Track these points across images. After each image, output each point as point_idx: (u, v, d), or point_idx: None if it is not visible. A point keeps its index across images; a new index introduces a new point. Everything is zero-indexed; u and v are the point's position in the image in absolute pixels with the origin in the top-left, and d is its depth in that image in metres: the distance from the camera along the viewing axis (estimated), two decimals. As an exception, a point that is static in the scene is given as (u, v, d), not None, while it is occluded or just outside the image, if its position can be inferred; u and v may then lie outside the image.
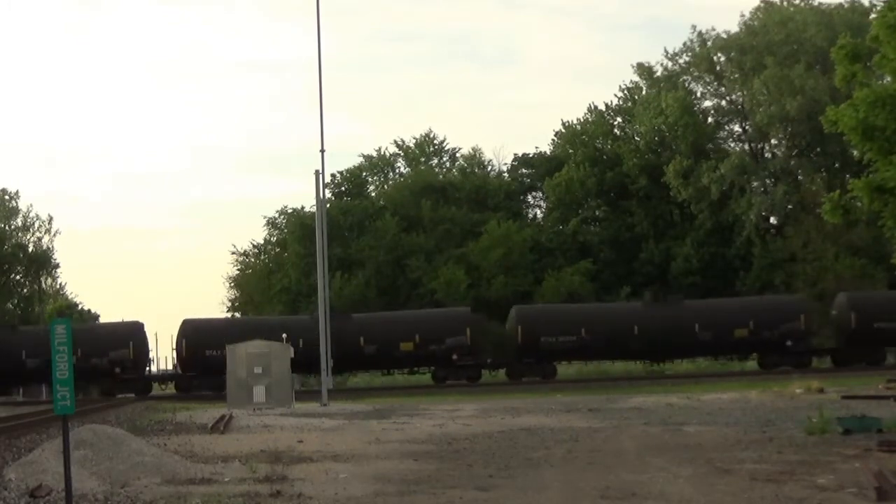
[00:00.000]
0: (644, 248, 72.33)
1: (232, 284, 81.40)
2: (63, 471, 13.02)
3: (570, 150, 78.26)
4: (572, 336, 52.18)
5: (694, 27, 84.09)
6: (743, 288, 67.01)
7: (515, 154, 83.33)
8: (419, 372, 56.44)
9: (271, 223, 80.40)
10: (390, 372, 56.71)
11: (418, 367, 55.78)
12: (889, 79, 20.92)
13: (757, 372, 52.09)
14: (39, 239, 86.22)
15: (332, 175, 79.32)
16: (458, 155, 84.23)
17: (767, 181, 70.95)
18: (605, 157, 77.05)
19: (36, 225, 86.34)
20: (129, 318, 63.97)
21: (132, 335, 53.74)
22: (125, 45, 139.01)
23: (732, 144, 74.85)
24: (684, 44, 75.13)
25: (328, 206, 60.17)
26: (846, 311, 51.86)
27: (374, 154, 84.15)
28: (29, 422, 29.42)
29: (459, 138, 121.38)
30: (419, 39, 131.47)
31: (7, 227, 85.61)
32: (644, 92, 77.31)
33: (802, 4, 73.51)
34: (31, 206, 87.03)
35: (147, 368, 55.39)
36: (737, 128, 75.39)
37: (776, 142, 72.23)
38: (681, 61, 75.66)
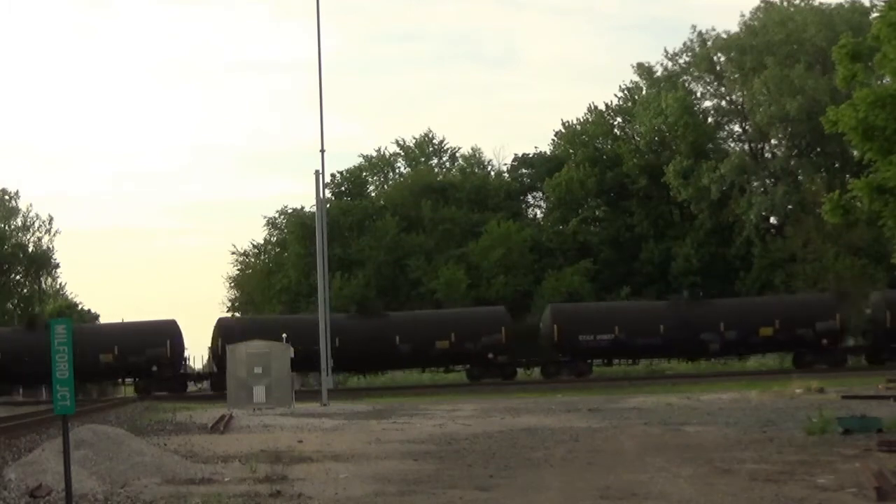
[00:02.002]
0: (644, 248, 72.31)
1: (232, 284, 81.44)
2: (63, 471, 13.02)
3: (570, 150, 78.27)
4: (608, 334, 52.43)
5: (694, 27, 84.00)
6: (743, 288, 67.00)
7: (515, 154, 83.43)
8: (454, 370, 56.56)
9: (271, 223, 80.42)
10: (425, 370, 56.88)
11: (454, 365, 55.86)
12: (889, 79, 20.92)
13: (757, 372, 52.18)
14: (39, 239, 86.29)
15: (332, 175, 79.37)
16: (457, 155, 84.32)
17: (767, 181, 70.93)
18: (605, 157, 77.04)
19: (36, 225, 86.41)
20: (128, 318, 64.13)
21: (169, 333, 53.93)
22: (125, 46, 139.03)
23: (732, 144, 74.83)
24: (684, 44, 75.18)
25: (328, 206, 60.20)
26: (881, 310, 51.97)
27: (374, 154, 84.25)
28: (29, 422, 29.40)
29: (459, 138, 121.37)
30: (419, 39, 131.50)
31: (7, 227, 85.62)
32: (644, 92, 77.28)
33: (802, 4, 73.45)
34: (31, 206, 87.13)
35: (183, 366, 55.53)
36: (737, 128, 75.38)
37: (776, 142, 72.18)
38: (681, 61, 75.65)
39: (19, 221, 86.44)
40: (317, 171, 42.81)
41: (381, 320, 53.73)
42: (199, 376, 57.99)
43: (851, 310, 54.62)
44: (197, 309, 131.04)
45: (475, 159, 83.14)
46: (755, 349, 54.71)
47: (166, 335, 53.68)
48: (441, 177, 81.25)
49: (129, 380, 56.21)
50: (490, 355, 52.82)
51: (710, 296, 59.13)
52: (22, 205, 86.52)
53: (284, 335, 43.16)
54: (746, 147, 73.87)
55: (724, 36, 73.95)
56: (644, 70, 77.11)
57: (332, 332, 47.62)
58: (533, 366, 55.70)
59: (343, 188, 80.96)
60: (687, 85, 74.83)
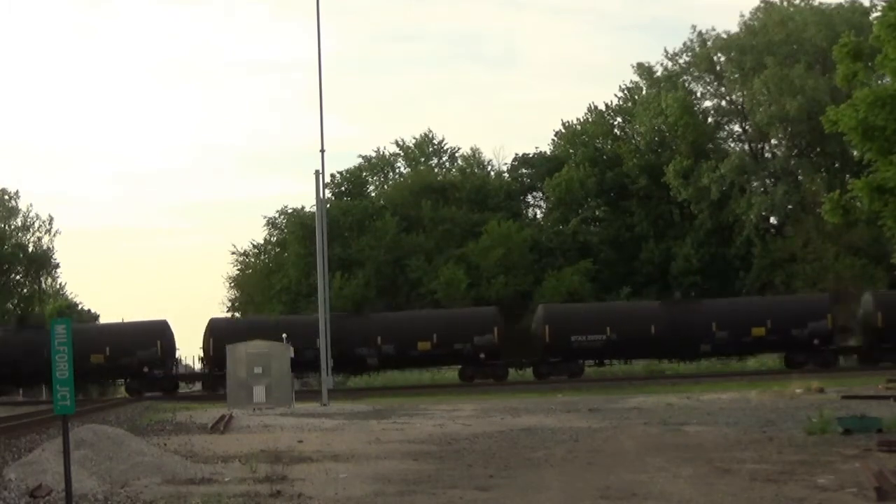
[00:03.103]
0: (644, 248, 72.30)
1: (232, 284, 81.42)
2: (63, 471, 13.02)
3: (570, 150, 78.28)
4: (600, 335, 52.44)
5: (694, 27, 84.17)
6: (743, 288, 67.01)
7: (515, 154, 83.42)
8: (441, 371, 56.53)
9: (271, 223, 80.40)
10: (405, 370, 56.90)
11: (444, 365, 55.86)
12: (889, 79, 20.92)
13: (757, 372, 52.19)
14: (39, 239, 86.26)
15: (332, 175, 79.40)
16: (457, 155, 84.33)
17: (767, 181, 70.94)
18: (605, 157, 77.05)
19: (36, 225, 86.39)
20: (127, 318, 64.03)
21: (160, 334, 53.81)
22: (125, 46, 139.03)
23: (732, 144, 74.83)
24: (684, 44, 75.19)
25: (328, 206, 60.18)
26: (872, 311, 52.00)
27: (374, 154, 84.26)
28: (29, 422, 29.40)
29: (459, 138, 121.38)
30: (419, 40, 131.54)
31: (7, 227, 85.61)
32: (644, 92, 77.30)
33: (802, 4, 73.47)
34: (31, 206, 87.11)
35: (174, 366, 55.50)
36: (737, 128, 75.38)
37: (776, 142, 72.19)
38: (681, 61, 75.66)
39: (19, 221, 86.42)
40: (317, 171, 42.82)
41: (366, 320, 53.68)
42: (191, 376, 58.01)
43: (845, 310, 54.63)
44: (197, 309, 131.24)
45: (475, 159, 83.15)
46: (747, 350, 54.60)
47: (157, 336, 53.49)
48: (441, 177, 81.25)
49: (120, 381, 56.16)
50: (482, 356, 52.79)
51: (706, 296, 59.13)
52: (22, 205, 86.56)
53: (284, 335, 43.16)
54: (746, 147, 73.88)
55: (724, 36, 73.99)
56: (644, 70, 77.13)
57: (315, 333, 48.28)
58: (525, 366, 55.68)
59: (343, 188, 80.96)
60: (687, 85, 74.84)
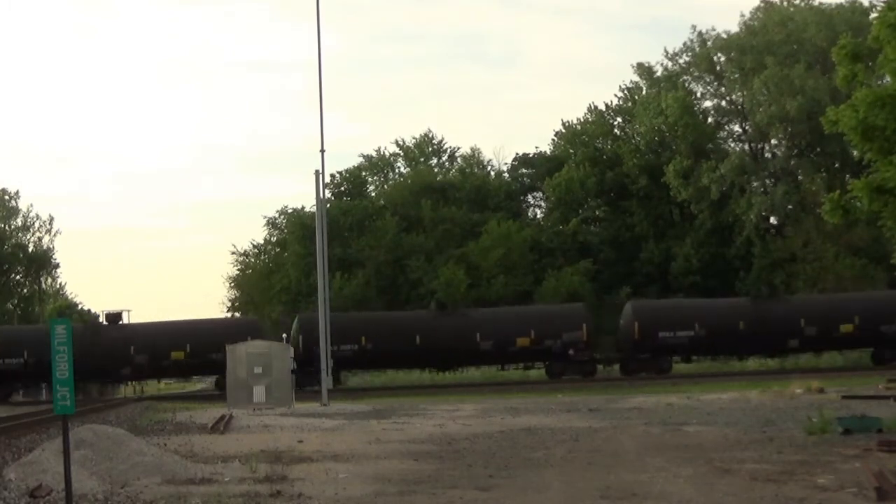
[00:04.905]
0: (644, 248, 72.33)
1: (232, 284, 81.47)
2: (63, 471, 13.01)
3: (571, 150, 78.32)
4: (689, 331, 52.56)
5: (694, 27, 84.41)
6: (743, 288, 67.01)
7: (515, 154, 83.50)
8: (533, 367, 56.65)
9: (271, 223, 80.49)
10: (504, 368, 56.99)
11: (533, 362, 55.97)
12: (889, 79, 20.91)
13: (756, 372, 52.21)
14: (39, 239, 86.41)
15: (332, 175, 79.50)
16: (457, 155, 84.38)
17: (767, 181, 70.97)
18: (605, 157, 77.09)
19: (36, 225, 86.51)
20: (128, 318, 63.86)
21: (252, 332, 53.27)
22: (125, 46, 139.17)
23: (732, 144, 74.93)
24: (684, 44, 75.30)
25: (328, 206, 60.17)
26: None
27: (374, 154, 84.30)
28: (29, 422, 29.40)
29: (459, 138, 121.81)
30: (420, 40, 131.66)
31: (7, 227, 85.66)
32: (644, 92, 77.35)
33: (802, 4, 73.51)
34: (31, 206, 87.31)
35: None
36: (737, 128, 75.45)
37: (776, 142, 72.25)
38: (681, 61, 75.72)
39: (19, 221, 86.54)
40: (317, 171, 42.83)
41: (462, 317, 54.00)
42: None
43: None
44: (197, 309, 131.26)
45: (475, 159, 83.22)
46: (835, 345, 54.62)
47: (248, 333, 52.98)
48: (441, 177, 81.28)
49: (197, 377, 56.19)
50: (571, 352, 52.91)
51: (791, 293, 58.88)
52: (22, 205, 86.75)
53: (284, 335, 43.18)
54: (746, 147, 73.93)
55: (724, 36, 74.06)
56: (644, 70, 77.16)
57: (413, 329, 51.52)
58: (613, 363, 55.65)
59: (343, 188, 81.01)
60: (687, 85, 74.89)
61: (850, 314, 52.65)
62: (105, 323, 55.04)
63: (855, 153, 34.13)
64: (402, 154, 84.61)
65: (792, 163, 70.50)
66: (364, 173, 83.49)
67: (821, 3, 72.96)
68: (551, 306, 59.17)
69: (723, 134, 75.67)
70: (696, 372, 54.14)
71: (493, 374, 57.58)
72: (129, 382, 57.97)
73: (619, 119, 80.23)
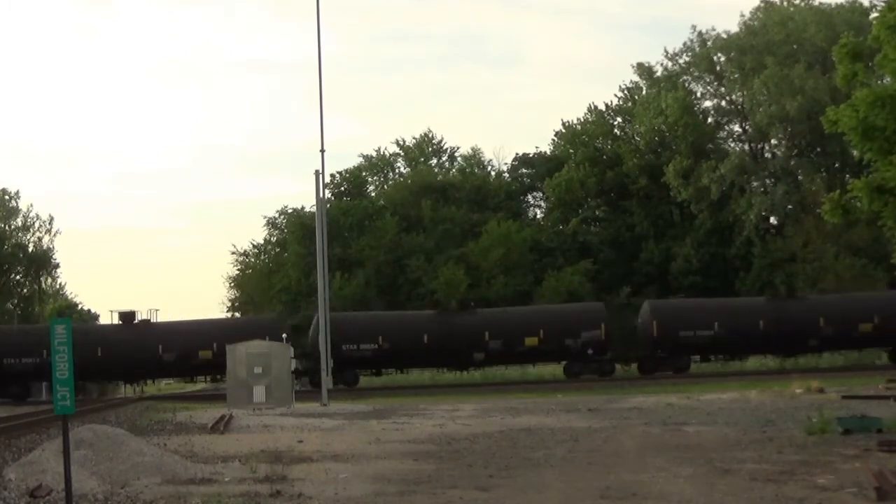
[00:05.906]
0: (644, 248, 72.33)
1: (232, 284, 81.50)
2: (63, 471, 13.01)
3: (571, 150, 78.32)
4: (708, 330, 52.56)
5: (694, 27, 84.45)
6: (743, 288, 67.01)
7: (516, 154, 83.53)
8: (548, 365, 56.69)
9: (271, 223, 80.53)
10: (533, 365, 57.06)
11: (549, 361, 55.94)
12: (889, 79, 20.91)
13: (756, 372, 52.20)
14: (39, 239, 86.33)
15: (332, 175, 79.55)
16: (457, 155, 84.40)
17: (767, 181, 70.97)
18: (605, 157, 77.09)
19: (36, 225, 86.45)
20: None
21: (271, 332, 53.10)
22: (125, 46, 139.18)
23: (732, 144, 74.95)
24: (684, 44, 75.34)
25: (328, 206, 60.17)
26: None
27: (374, 154, 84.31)
28: (29, 422, 29.40)
29: (459, 138, 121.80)
30: (420, 40, 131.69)
31: (7, 227, 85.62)
32: (644, 92, 77.36)
33: (802, 4, 73.52)
34: (31, 206, 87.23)
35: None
36: (737, 128, 75.47)
37: (776, 142, 72.27)
38: (681, 61, 75.74)
39: (19, 221, 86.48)
40: (317, 171, 42.81)
41: (471, 316, 53.93)
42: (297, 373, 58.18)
43: None
44: (198, 309, 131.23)
45: (475, 159, 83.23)
46: (855, 345, 54.57)
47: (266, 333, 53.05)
48: (441, 177, 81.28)
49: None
50: (589, 351, 52.85)
51: (804, 292, 58.85)
52: (22, 205, 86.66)
53: (284, 335, 43.15)
54: (746, 147, 73.94)
55: (724, 36, 74.07)
56: (644, 70, 77.17)
57: (421, 329, 52.05)
58: (632, 362, 55.54)
59: (343, 188, 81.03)
60: (687, 85, 74.90)
61: (869, 314, 52.54)
62: (134, 322, 54.80)
63: (855, 153, 34.16)
64: (402, 154, 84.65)
65: (792, 163, 70.50)
66: (364, 173, 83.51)
67: (821, 3, 73.10)
68: (569, 305, 59.13)
69: (723, 134, 75.72)
70: (713, 371, 54.10)
71: (494, 373, 57.51)
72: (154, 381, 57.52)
73: (619, 119, 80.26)
